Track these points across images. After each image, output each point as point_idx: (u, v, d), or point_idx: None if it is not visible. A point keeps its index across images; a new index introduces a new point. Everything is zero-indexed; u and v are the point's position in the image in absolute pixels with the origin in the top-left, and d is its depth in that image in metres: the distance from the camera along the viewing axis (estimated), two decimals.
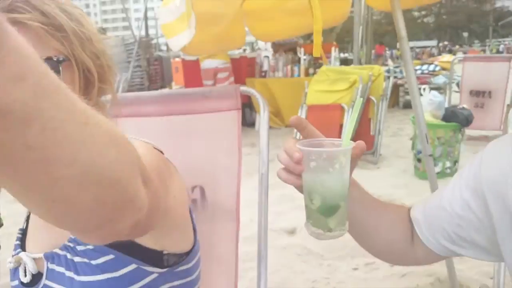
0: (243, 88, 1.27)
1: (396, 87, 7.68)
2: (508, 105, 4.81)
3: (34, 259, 0.75)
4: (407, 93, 7.89)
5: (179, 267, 0.78)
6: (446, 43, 41.07)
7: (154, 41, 8.73)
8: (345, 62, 8.11)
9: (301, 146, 0.64)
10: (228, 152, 1.27)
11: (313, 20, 1.36)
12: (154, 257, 0.73)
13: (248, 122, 6.38)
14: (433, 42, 47.94)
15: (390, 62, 13.87)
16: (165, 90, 4.84)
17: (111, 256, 0.70)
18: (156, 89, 7.51)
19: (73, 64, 0.68)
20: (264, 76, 6.63)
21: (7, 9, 0.62)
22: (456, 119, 3.62)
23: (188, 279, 0.82)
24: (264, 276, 1.16)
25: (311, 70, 6.62)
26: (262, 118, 1.25)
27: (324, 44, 8.43)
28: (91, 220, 0.40)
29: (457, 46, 36.24)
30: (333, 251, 2.41)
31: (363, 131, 4.51)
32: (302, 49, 7.57)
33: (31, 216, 0.83)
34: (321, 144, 0.68)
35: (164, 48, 9.16)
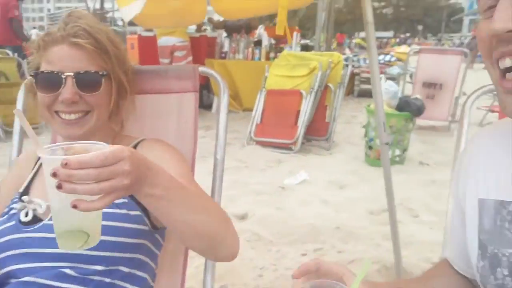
0: (202, 69, 1.23)
1: (352, 76, 7.83)
2: (456, 97, 5.03)
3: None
4: (362, 82, 8.08)
5: (156, 234, 0.98)
6: (408, 34, 42.33)
7: (109, 15, 8.34)
8: (305, 48, 8.13)
9: None
10: (183, 135, 1.23)
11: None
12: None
13: (204, 104, 6.30)
14: (390, 33, 49.20)
15: (347, 50, 14.09)
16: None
17: (125, 200, 0.90)
18: None
19: (111, 77, 0.97)
20: (224, 58, 6.53)
21: (73, 35, 0.92)
22: (409, 109, 3.75)
23: (157, 252, 1.00)
24: (211, 264, 1.14)
25: (272, 54, 6.60)
26: (222, 102, 1.22)
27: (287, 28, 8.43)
28: (201, 247, 0.85)
29: (416, 39, 37.52)
30: (283, 237, 2.44)
31: (318, 118, 4.58)
32: (265, 32, 7.52)
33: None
34: None
35: (120, 23, 8.78)
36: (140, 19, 1.80)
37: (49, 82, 0.92)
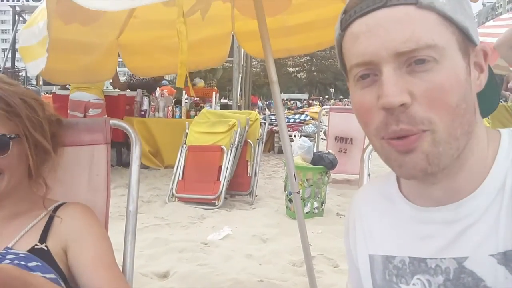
0: (113, 121, 1.23)
1: (272, 134, 8.14)
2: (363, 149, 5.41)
3: None
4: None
5: None
6: (322, 97, 45.96)
7: (22, 73, 7.98)
8: (225, 107, 8.36)
9: None
10: (95, 188, 1.19)
11: (184, 56, 1.38)
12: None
13: (124, 162, 6.12)
14: (305, 96, 52.63)
15: (267, 111, 14.72)
16: None
17: (38, 263, 0.89)
18: None
19: (24, 141, 0.95)
20: (144, 116, 6.47)
21: None
22: (323, 162, 3.94)
23: None
24: None
25: (192, 112, 6.67)
26: (133, 153, 1.21)
27: (207, 88, 8.64)
28: None
29: (332, 100, 40.74)
30: None
31: (240, 173, 4.64)
32: (184, 91, 7.63)
33: None
34: None
35: (35, 82, 8.42)
36: (48, 74, 1.75)
37: None
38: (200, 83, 8.52)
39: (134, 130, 1.23)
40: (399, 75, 0.57)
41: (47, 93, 9.20)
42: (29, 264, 0.88)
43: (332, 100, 41.99)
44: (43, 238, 0.96)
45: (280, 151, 8.25)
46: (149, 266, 2.69)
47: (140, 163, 1.21)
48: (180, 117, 6.53)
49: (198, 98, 8.04)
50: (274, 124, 8.14)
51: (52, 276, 0.90)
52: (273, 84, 1.85)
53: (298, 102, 36.49)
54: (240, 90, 8.48)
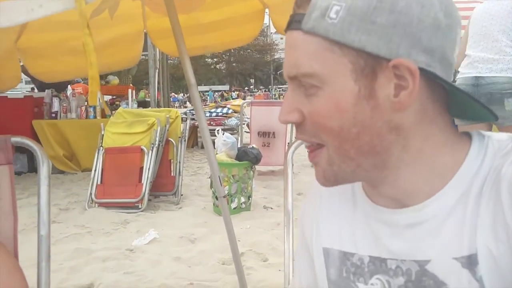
0: (14, 139, 1.11)
1: (194, 128, 8.02)
2: (288, 143, 5.54)
3: None
4: None
5: None
6: (247, 88, 45.89)
7: None
8: (143, 104, 8.07)
9: None
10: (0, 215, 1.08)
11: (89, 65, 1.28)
12: None
13: (36, 167, 5.68)
14: (226, 87, 52.64)
15: (189, 104, 14.47)
16: None
17: None
18: None
19: None
20: (55, 118, 6.04)
21: None
22: (247, 157, 3.96)
23: None
24: None
25: (107, 112, 6.35)
26: (41, 173, 1.10)
27: (122, 86, 8.27)
28: None
29: (255, 90, 40.90)
30: None
31: (163, 173, 4.52)
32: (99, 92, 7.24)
33: None
34: None
35: None
36: None
37: None
38: (114, 80, 8.14)
39: (40, 147, 1.12)
40: (295, 95, 0.61)
41: None
42: None
43: (260, 91, 41.81)
44: None
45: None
46: (71, 280, 2.53)
47: (49, 183, 1.11)
48: (95, 117, 6.19)
49: (115, 96, 7.69)
50: (196, 119, 8.04)
51: None
52: (192, 87, 1.79)
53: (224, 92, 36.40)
54: (158, 84, 8.23)
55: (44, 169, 1.10)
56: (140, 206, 4.06)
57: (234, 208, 3.85)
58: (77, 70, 2.17)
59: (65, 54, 2.05)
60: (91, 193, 4.17)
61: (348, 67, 0.56)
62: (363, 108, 0.57)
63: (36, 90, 7.62)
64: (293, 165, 1.27)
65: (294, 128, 0.65)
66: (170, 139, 4.57)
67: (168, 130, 4.55)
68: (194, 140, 8.33)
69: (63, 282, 2.48)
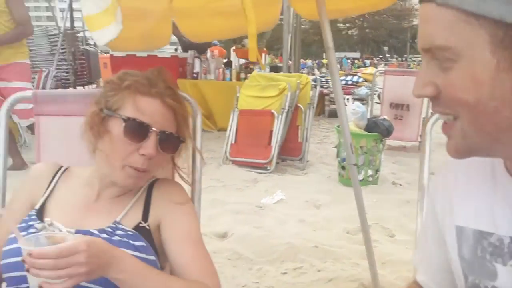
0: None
1: (322, 96, 8.00)
2: (424, 118, 5.20)
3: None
4: (332, 102, 8.25)
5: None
6: (380, 56, 43.55)
7: (80, 34, 8.21)
8: (275, 69, 8.26)
9: None
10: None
11: (246, 23, 1.35)
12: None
13: None
14: (357, 54, 50.67)
15: (316, 71, 14.39)
16: (90, 90, 4.49)
17: (143, 244, 0.96)
18: (82, 85, 7.09)
19: (182, 140, 1.05)
20: (196, 78, 6.56)
21: (166, 94, 0.99)
22: (377, 129, 3.85)
23: None
24: None
25: (242, 75, 6.67)
26: (196, 123, 1.25)
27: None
28: None
29: (390, 58, 38.46)
30: (263, 255, 2.45)
31: (291, 138, 4.64)
32: (234, 53, 7.61)
33: (58, 197, 1.04)
34: None
35: (92, 42, 8.68)
36: (111, 43, 1.79)
37: (136, 131, 0.94)
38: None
39: (195, 100, 1.27)
40: (430, 68, 0.60)
41: (104, 53, 9.43)
42: (136, 244, 0.94)
43: (395, 60, 39.22)
44: (145, 216, 1.01)
45: (331, 115, 8.14)
46: (208, 226, 2.81)
47: (201, 133, 1.26)
48: (231, 79, 6.55)
49: (248, 60, 7.98)
50: (324, 86, 7.99)
51: (153, 258, 0.95)
52: (329, 51, 1.77)
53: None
54: (290, 49, 8.28)
55: (197, 120, 1.25)
56: (268, 168, 4.28)
57: (361, 180, 3.81)
58: (225, 31, 2.28)
59: (214, 15, 2.16)
60: (226, 151, 4.52)
61: (486, 39, 0.54)
62: (502, 82, 0.55)
63: (179, 51, 8.29)
64: (431, 140, 1.22)
65: (429, 102, 0.64)
66: (299, 105, 4.65)
67: (298, 95, 4.62)
68: (321, 108, 8.32)
69: (202, 228, 2.76)
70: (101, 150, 0.97)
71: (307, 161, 4.56)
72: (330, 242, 2.63)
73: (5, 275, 0.92)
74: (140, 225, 0.99)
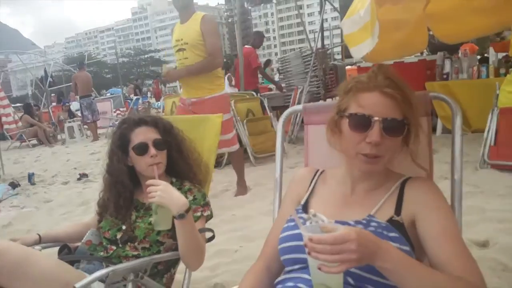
0: (432, 94, 1.29)
1: None
2: None
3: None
4: None
5: None
6: None
7: (329, 52, 8.94)
8: None
9: None
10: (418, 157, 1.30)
11: (503, 18, 1.25)
12: None
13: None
14: None
15: None
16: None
17: (396, 235, 1.04)
18: (331, 97, 7.67)
19: (410, 125, 1.12)
20: (446, 79, 6.17)
21: (385, 85, 1.08)
22: None
23: None
24: None
25: (502, 70, 5.90)
26: (455, 123, 1.25)
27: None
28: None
29: None
30: None
31: None
32: (491, 48, 6.82)
33: (318, 194, 1.25)
34: None
35: (338, 57, 9.32)
36: (366, 56, 1.94)
37: (360, 123, 1.08)
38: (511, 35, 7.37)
39: (453, 100, 1.27)
40: None
41: (350, 65, 9.93)
42: (390, 234, 1.03)
43: None
44: (398, 211, 1.09)
45: None
46: (465, 233, 2.64)
47: (462, 133, 1.25)
48: (487, 76, 5.89)
49: (507, 54, 7.01)
50: None
51: (407, 248, 1.02)
52: None
53: None
54: None
55: (457, 120, 1.25)
56: None
57: None
58: (479, 29, 2.16)
59: (468, 15, 2.08)
60: (483, 154, 4.11)
61: None
62: None
63: (426, 54, 7.97)
64: None
65: None
66: None
67: None
68: None
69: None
70: (341, 147, 1.14)
71: None
72: None
73: (283, 257, 1.13)
74: (393, 218, 1.07)
